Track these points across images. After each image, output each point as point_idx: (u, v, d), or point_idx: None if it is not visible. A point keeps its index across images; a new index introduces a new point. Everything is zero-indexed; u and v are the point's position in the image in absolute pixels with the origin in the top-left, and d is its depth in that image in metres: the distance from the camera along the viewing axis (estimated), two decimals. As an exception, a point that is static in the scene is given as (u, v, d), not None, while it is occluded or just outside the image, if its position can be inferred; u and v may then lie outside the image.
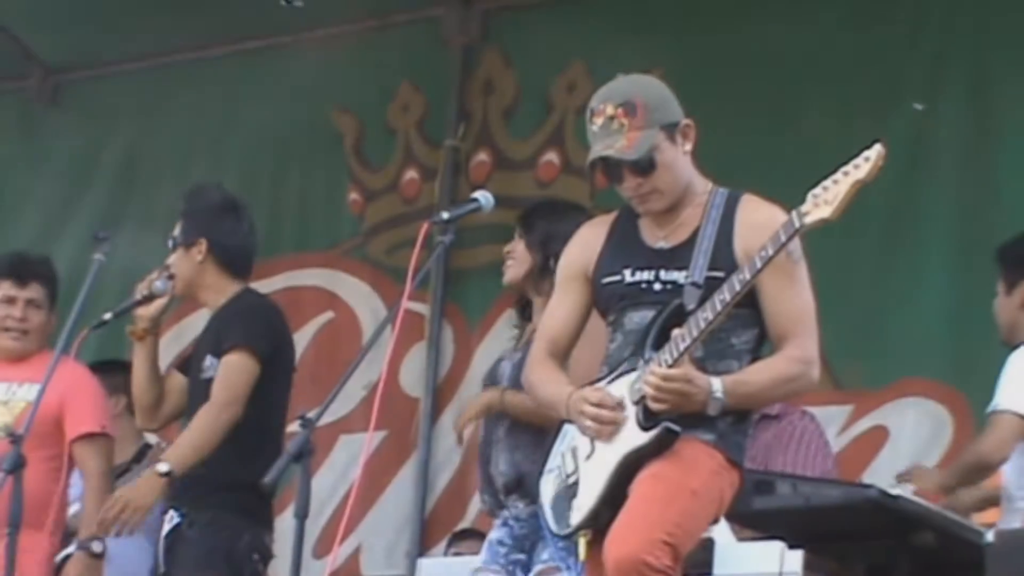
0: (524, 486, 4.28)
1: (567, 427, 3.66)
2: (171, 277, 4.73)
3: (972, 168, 5.69)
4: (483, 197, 4.05)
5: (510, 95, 6.69)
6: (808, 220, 3.38)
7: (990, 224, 5.31)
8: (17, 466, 4.33)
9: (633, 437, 3.49)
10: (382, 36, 6.94)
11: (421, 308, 6.47)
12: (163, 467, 4.48)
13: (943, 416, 5.56)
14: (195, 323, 5.84)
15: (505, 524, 4.36)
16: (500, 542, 4.36)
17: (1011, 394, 4.33)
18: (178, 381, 4.83)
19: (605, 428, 3.51)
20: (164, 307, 4.78)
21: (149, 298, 4.76)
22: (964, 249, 5.51)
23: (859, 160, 3.38)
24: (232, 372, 4.52)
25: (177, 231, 4.75)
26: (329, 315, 6.84)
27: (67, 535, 5.26)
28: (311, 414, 3.80)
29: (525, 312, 4.50)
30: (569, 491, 3.59)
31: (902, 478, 4.51)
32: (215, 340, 4.61)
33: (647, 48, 5.98)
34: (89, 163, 7.43)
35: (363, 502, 6.37)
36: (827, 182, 3.38)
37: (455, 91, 6.72)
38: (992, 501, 4.56)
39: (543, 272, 4.33)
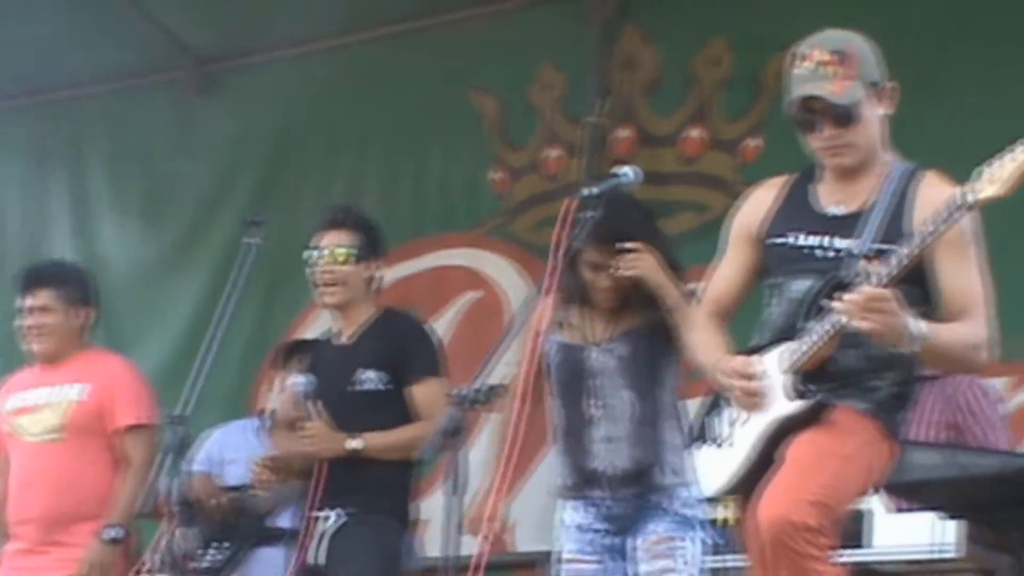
0: (641, 480, 4.31)
1: (718, 395, 3.65)
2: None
3: None
4: (631, 171, 4.04)
5: (651, 71, 6.67)
6: (978, 197, 3.26)
7: None
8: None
9: (784, 406, 3.47)
10: (521, 16, 6.96)
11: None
12: (357, 443, 4.66)
13: (1104, 386, 5.45)
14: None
15: (592, 505, 4.35)
16: (581, 527, 4.36)
17: None
18: None
19: (750, 399, 3.49)
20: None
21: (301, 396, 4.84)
22: None
23: None
24: (436, 402, 4.66)
25: (352, 243, 4.83)
26: (474, 294, 6.89)
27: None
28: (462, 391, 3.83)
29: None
30: (720, 455, 3.59)
31: None
32: (383, 359, 4.74)
33: (787, 21, 5.90)
34: (241, 151, 7.57)
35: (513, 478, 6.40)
36: (1003, 159, 3.24)
37: (595, 68, 6.73)
38: None
39: None
